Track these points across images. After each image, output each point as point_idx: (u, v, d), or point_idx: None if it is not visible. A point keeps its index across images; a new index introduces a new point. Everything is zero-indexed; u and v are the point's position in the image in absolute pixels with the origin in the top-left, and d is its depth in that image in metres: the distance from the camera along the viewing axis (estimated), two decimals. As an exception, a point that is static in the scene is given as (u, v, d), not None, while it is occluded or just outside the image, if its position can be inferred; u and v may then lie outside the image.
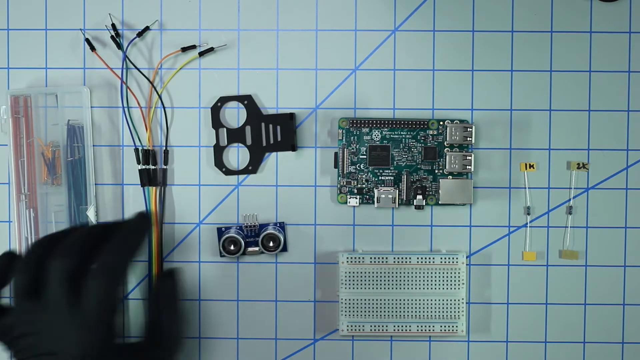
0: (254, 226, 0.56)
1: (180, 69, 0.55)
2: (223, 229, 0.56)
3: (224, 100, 0.55)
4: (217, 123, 0.55)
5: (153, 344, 0.50)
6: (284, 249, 0.56)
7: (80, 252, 0.46)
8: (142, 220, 0.50)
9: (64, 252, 0.46)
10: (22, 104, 0.55)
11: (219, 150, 0.56)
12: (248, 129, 0.55)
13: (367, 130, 0.55)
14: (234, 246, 0.55)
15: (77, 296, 0.45)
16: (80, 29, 0.56)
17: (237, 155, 0.56)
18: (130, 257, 0.48)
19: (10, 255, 0.48)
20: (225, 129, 0.55)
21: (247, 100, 0.55)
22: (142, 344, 0.50)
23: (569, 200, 0.56)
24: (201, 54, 0.55)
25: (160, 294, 0.53)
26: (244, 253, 0.55)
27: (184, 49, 0.55)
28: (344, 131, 0.55)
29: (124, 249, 0.48)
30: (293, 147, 0.55)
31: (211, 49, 0.55)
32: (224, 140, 0.56)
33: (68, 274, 0.45)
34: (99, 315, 0.45)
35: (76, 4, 0.56)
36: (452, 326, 0.55)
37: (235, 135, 0.55)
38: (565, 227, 0.56)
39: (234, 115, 0.56)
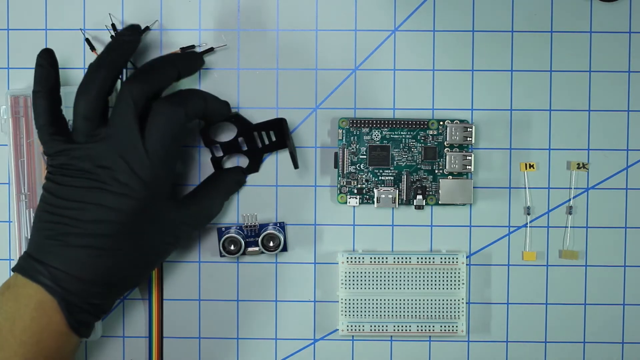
0: (254, 226, 0.56)
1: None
2: (223, 229, 0.56)
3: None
4: (208, 141, 0.55)
5: (190, 203, 0.53)
6: (284, 249, 0.56)
7: (154, 80, 0.50)
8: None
9: (139, 77, 0.50)
10: (22, 104, 0.55)
11: (216, 160, 0.55)
12: (241, 139, 0.55)
13: (367, 130, 0.55)
14: (234, 246, 0.55)
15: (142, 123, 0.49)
16: (80, 29, 0.56)
17: (236, 161, 0.56)
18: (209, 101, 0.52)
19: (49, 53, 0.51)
20: (218, 145, 0.55)
21: (235, 118, 0.55)
22: (183, 199, 0.53)
23: (569, 200, 0.56)
24: (201, 54, 0.55)
25: (214, 176, 0.55)
26: (244, 253, 0.55)
27: (183, 49, 0.55)
28: (344, 131, 0.55)
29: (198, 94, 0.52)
30: (295, 164, 0.54)
31: (211, 49, 0.55)
32: (219, 152, 0.55)
33: (141, 97, 0.49)
34: (163, 145, 0.49)
35: (76, 3, 0.56)
36: (452, 326, 0.55)
37: (230, 147, 0.55)
38: (565, 227, 0.56)
39: (225, 130, 0.55)
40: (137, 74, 0.50)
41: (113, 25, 0.55)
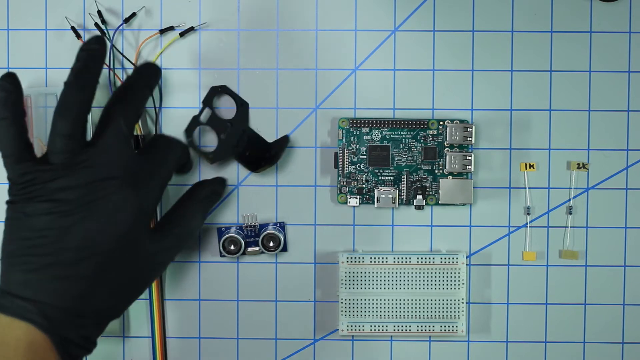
0: (254, 226, 0.56)
1: (162, 52, 0.55)
2: (223, 229, 0.56)
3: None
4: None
5: (170, 228, 0.51)
6: (284, 249, 0.56)
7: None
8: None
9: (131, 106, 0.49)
10: (22, 104, 0.55)
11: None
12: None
13: (367, 130, 0.55)
14: (234, 246, 0.55)
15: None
16: (66, 17, 0.55)
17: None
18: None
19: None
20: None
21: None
22: (162, 223, 0.52)
23: (569, 200, 0.56)
24: (182, 34, 0.55)
25: (191, 191, 0.53)
26: (244, 253, 0.55)
27: (162, 31, 0.55)
28: (344, 131, 0.55)
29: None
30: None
31: (191, 29, 0.55)
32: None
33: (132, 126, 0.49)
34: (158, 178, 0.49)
35: (76, 3, 0.56)
36: (452, 326, 0.55)
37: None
38: (565, 227, 0.56)
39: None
40: (128, 99, 0.49)
41: (99, 12, 0.55)
